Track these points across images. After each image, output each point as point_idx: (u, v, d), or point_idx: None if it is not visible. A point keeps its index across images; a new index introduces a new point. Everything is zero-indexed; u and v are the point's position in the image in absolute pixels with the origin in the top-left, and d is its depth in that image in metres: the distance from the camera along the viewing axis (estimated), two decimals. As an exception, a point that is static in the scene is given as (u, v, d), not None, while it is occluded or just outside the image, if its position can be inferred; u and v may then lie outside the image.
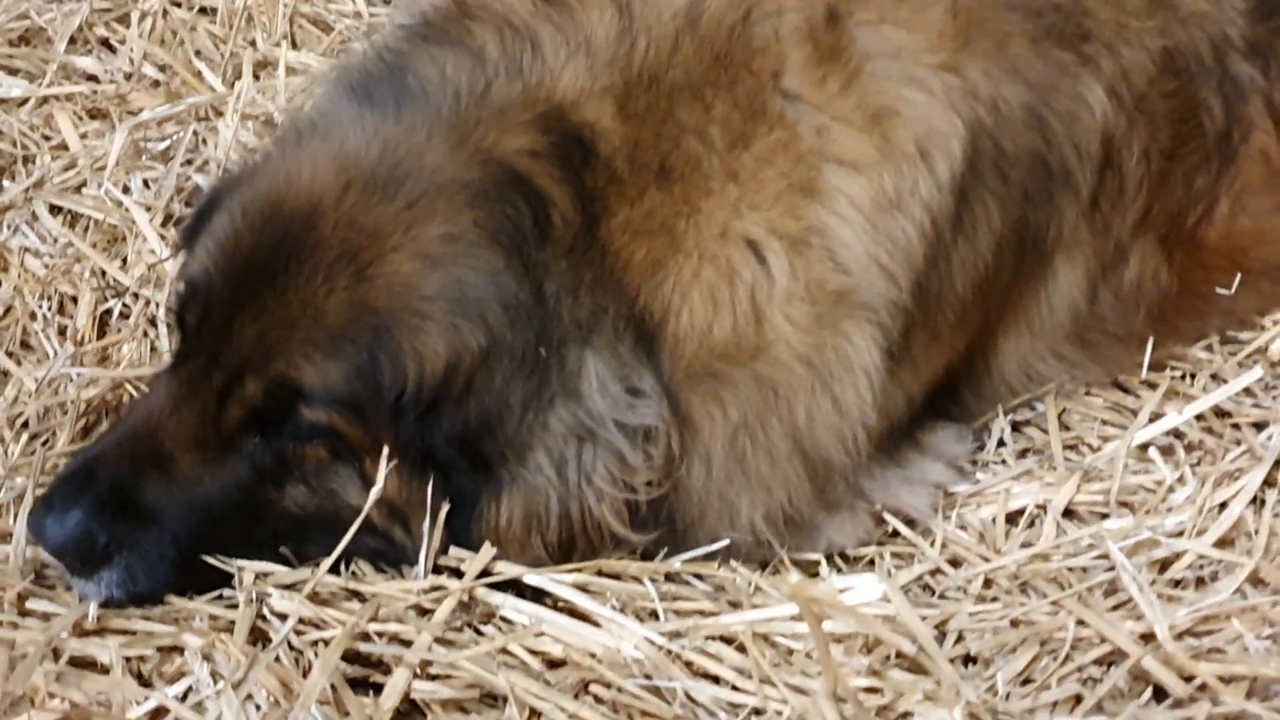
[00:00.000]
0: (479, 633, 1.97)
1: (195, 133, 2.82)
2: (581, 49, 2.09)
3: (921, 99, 2.12)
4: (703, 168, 2.05)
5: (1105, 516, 2.27)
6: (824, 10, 2.12)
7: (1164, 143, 2.36)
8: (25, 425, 2.29)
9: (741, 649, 1.94)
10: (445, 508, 1.99)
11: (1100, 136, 2.28)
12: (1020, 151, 2.21)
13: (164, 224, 2.65)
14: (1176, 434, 2.37)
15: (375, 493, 1.95)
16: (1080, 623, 1.99)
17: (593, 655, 1.90)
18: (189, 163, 2.77)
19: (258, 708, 1.82)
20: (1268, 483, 2.24)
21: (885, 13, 2.14)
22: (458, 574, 1.98)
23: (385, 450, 1.96)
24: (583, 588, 1.98)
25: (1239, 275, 2.47)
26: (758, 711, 1.88)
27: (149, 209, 2.67)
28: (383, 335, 1.94)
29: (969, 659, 2.02)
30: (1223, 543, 2.17)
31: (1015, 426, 2.44)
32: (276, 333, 1.95)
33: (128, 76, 3.04)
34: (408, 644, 1.90)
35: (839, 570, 2.18)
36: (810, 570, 2.17)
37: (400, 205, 1.98)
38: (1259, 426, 2.36)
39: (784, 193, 2.06)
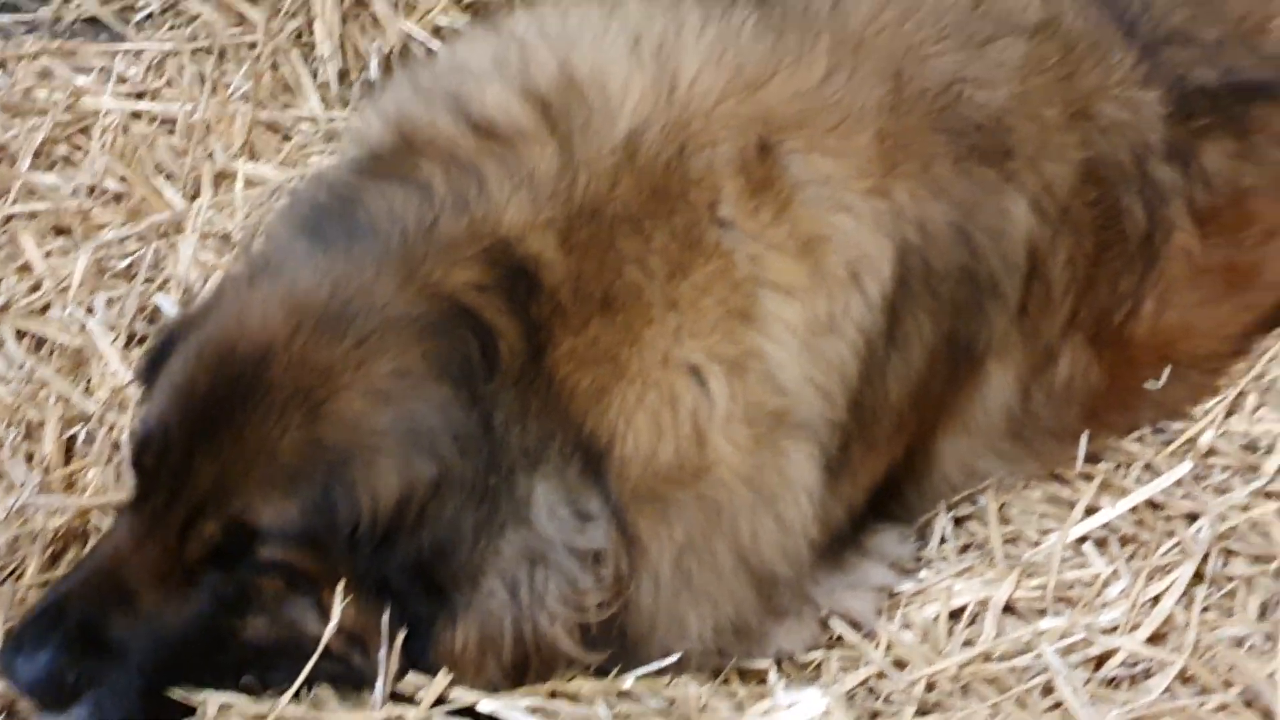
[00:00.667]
0: (437, 758, 2.04)
1: (156, 250, 2.90)
2: (525, 183, 2.17)
3: (851, 224, 2.21)
4: (644, 297, 2.14)
5: (1044, 612, 2.36)
6: (756, 141, 2.21)
7: (1088, 249, 2.46)
8: (-5, 555, 2.36)
9: (692, 765, 2.01)
10: (402, 634, 2.06)
11: (1025, 248, 2.37)
12: (948, 267, 2.30)
13: (127, 344, 2.72)
14: (1111, 527, 2.46)
15: (331, 627, 2.02)
16: (1018, 726, 2.08)
17: (547, 779, 1.98)
18: (150, 281, 2.84)
19: (224, 841, 1.89)
20: (1198, 576, 2.34)
21: (815, 141, 2.23)
22: (415, 700, 2.05)
23: (341, 583, 2.03)
24: (536, 711, 2.05)
25: (1168, 368, 2.57)
26: (708, 827, 1.95)
27: (113, 328, 2.74)
28: (337, 472, 2.02)
29: (912, 766, 2.10)
30: (1156, 638, 2.26)
31: (957, 521, 2.53)
32: (233, 473, 2.02)
33: (90, 190, 3.11)
34: (368, 772, 1.97)
35: (787, 677, 2.25)
36: (759, 677, 2.25)
37: (350, 343, 2.06)
38: (1191, 518, 2.44)
39: (722, 319, 2.15)
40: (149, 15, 3.58)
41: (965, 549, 2.49)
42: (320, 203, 2.28)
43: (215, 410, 2.05)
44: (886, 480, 2.42)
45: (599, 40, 2.31)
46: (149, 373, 2.23)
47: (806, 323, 2.17)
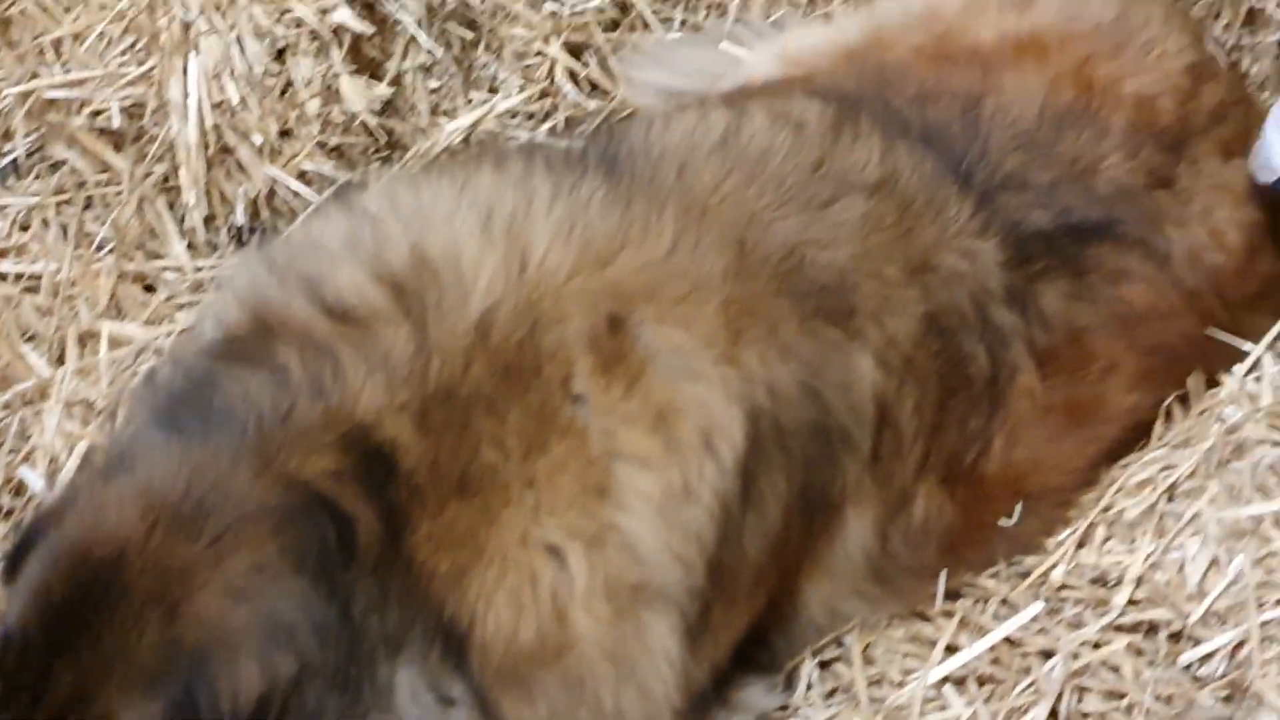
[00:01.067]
0: None
1: (22, 418, 2.88)
2: (380, 367, 2.20)
3: (702, 393, 2.27)
4: (500, 477, 2.18)
5: (908, 757, 2.42)
6: (606, 315, 2.26)
7: (935, 396, 2.55)
8: None
9: None
10: (270, 827, 2.07)
11: (873, 400, 2.45)
12: (799, 425, 2.37)
13: (-9, 522, 2.71)
14: (969, 667, 2.52)
15: (195, 831, 2.02)
16: None
17: None
18: (15, 452, 2.82)
19: None
20: (1053, 714, 2.41)
21: (664, 313, 2.29)
22: None
23: (205, 783, 2.04)
24: None
25: (1020, 504, 2.66)
26: None
27: (-23, 504, 2.73)
28: (197, 672, 2.01)
29: None
30: (1013, 783, 2.34)
31: (823, 665, 2.59)
32: (93, 677, 2.01)
33: (-45, 356, 3.09)
34: None
35: (658, 841, 2.28)
36: (631, 843, 2.28)
37: (206, 541, 2.07)
38: (1046, 655, 2.52)
39: (579, 495, 2.19)
40: (14, 162, 3.58)
41: (831, 693, 2.55)
42: (176, 390, 2.28)
43: (73, 615, 2.05)
44: (752, 631, 2.48)
45: (451, 218, 2.36)
46: (10, 570, 2.21)
47: (662, 493, 2.22)
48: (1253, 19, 3.43)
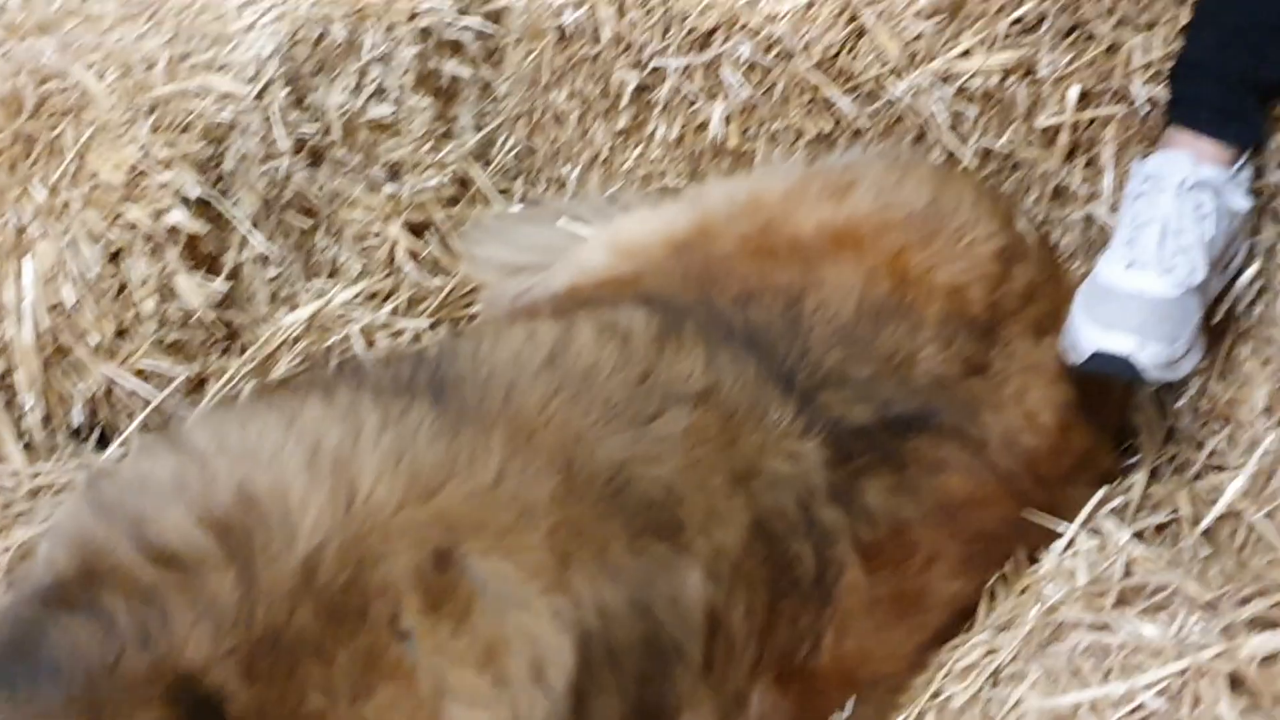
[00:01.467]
0: None
1: None
2: (206, 614, 2.19)
3: (530, 622, 2.30)
4: (329, 723, 2.19)
5: None
6: (433, 550, 2.28)
7: (764, 599, 2.61)
8: None
9: None
10: None
11: (703, 609, 2.51)
12: (631, 642, 2.42)
13: None
14: None
15: None
16: None
17: None
18: None
19: None
20: None
21: (492, 543, 2.32)
22: None
23: None
24: None
25: (853, 698, 2.72)
26: None
27: None
28: None
29: None
30: None
31: None
32: None
33: None
34: None
35: None
36: None
37: (34, 805, 2.05)
38: None
39: (408, 737, 2.21)
40: None
41: None
42: (4, 639, 2.26)
43: None
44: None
45: (278, 454, 2.37)
46: None
47: (463, 731, 2.24)
48: (1060, 194, 3.61)
